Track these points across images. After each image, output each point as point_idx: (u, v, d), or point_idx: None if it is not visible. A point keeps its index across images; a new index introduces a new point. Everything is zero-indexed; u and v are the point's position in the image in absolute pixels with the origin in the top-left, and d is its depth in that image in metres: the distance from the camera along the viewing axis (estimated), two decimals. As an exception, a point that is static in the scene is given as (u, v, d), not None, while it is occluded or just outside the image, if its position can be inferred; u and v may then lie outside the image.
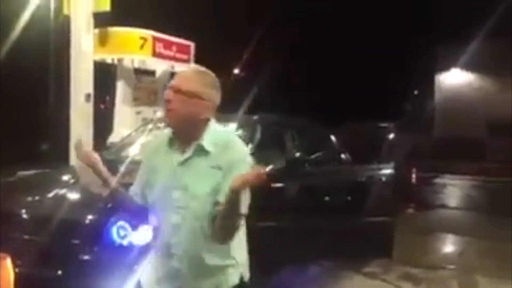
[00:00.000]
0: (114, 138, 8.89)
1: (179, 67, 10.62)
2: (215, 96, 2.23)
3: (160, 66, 10.31)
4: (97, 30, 9.17)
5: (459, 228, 10.43)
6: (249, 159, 2.20)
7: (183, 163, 2.18)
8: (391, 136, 6.85)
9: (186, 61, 10.36)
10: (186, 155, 2.18)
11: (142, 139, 6.80)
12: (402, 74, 22.19)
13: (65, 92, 8.99)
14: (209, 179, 2.13)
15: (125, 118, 9.64)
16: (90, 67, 9.07)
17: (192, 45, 10.46)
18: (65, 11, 9.23)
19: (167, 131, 2.27)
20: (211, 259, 2.17)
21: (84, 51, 8.93)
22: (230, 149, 2.18)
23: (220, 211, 2.08)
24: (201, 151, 2.16)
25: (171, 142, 2.24)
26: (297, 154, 5.58)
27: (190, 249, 2.16)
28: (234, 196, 2.01)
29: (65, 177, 5.63)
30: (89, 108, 9.01)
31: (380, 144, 6.46)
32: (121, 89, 10.01)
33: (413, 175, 12.30)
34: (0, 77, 12.26)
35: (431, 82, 24.63)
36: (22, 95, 13.90)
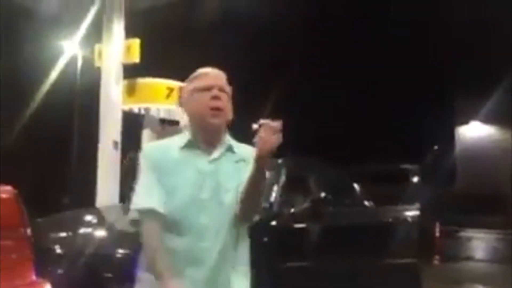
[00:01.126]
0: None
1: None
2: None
3: (184, 115, 10.57)
4: (125, 81, 9.55)
5: (486, 279, 10.22)
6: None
7: (211, 162, 2.17)
8: (415, 179, 6.89)
9: (211, 110, 10.62)
10: (215, 155, 2.18)
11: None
12: (422, 126, 22.26)
13: (93, 139, 9.29)
14: (238, 172, 2.16)
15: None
16: (119, 116, 9.42)
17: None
18: (97, 63, 9.69)
19: (180, 135, 2.25)
20: (235, 262, 2.17)
21: (113, 101, 9.31)
22: (249, 148, 2.21)
23: (245, 187, 2.09)
24: (228, 151, 2.22)
25: (190, 144, 2.19)
26: (321, 195, 5.66)
27: (220, 249, 2.12)
28: (258, 171, 2.04)
29: (93, 217, 5.86)
30: (117, 155, 9.29)
31: (403, 185, 6.51)
32: (146, 138, 10.28)
33: (437, 229, 12.15)
34: (31, 125, 12.67)
35: (451, 134, 24.62)
36: (51, 142, 14.30)
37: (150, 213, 2.09)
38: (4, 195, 3.39)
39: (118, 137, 9.28)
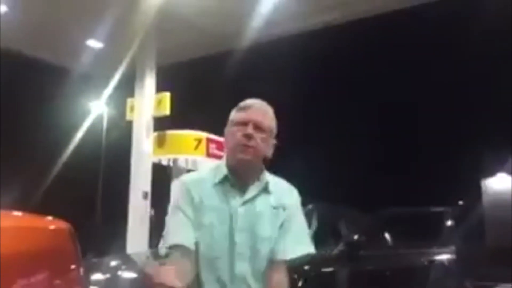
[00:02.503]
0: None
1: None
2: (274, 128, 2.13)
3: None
4: (155, 133, 9.82)
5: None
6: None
7: (245, 203, 2.00)
8: (450, 222, 6.83)
9: (237, 161, 10.78)
10: (250, 195, 2.02)
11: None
12: (447, 177, 21.99)
13: (121, 191, 9.50)
14: (273, 219, 2.01)
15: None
16: (149, 167, 9.65)
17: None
18: (128, 117, 10.02)
19: (212, 168, 2.09)
20: None
21: (144, 153, 9.57)
22: (291, 193, 2.12)
23: None
24: (264, 191, 2.04)
25: (226, 179, 2.03)
26: (353, 238, 5.67)
27: None
28: None
29: (123, 262, 5.94)
30: (146, 205, 9.46)
31: (436, 228, 6.46)
32: (175, 188, 10.42)
33: (468, 284, 11.80)
34: (63, 176, 12.96)
35: (477, 186, 24.24)
36: (79, 195, 14.53)
37: (179, 249, 1.92)
38: (59, 228, 3.29)
39: (148, 188, 9.47)
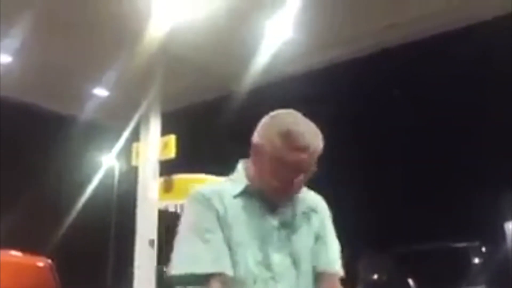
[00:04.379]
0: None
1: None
2: None
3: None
4: (161, 178, 9.54)
5: None
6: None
7: (283, 224, 1.80)
8: (477, 259, 6.34)
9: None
10: (287, 216, 1.84)
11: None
12: (469, 220, 21.40)
13: (130, 238, 9.12)
14: (307, 226, 1.87)
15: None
16: (155, 214, 9.29)
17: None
18: (134, 163, 9.77)
19: (231, 179, 1.90)
20: None
21: (150, 199, 9.23)
22: (319, 198, 1.99)
23: None
24: (303, 213, 1.88)
25: (247, 191, 1.82)
26: (373, 277, 5.22)
27: None
28: None
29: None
30: (153, 254, 9.03)
31: (463, 266, 5.96)
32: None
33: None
34: (69, 225, 12.67)
35: (500, 230, 23.51)
36: (89, 240, 14.19)
37: (218, 279, 1.63)
38: (40, 265, 3.23)
39: (154, 235, 9.08)
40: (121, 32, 9.11)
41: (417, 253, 6.03)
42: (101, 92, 11.68)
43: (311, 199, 1.95)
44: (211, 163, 9.99)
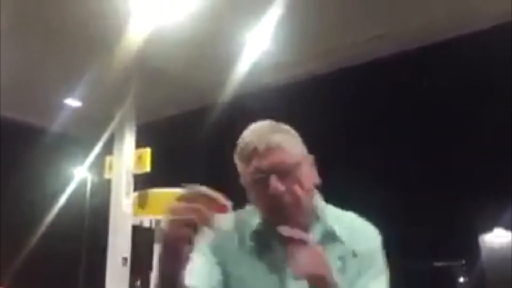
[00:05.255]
0: (150, 302, 8.34)
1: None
2: (303, 146, 1.56)
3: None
4: (136, 193, 9.22)
5: None
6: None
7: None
8: (462, 279, 6.19)
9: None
10: None
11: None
12: (446, 234, 21.55)
13: (101, 255, 8.77)
14: (341, 273, 1.43)
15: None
16: (129, 230, 8.96)
17: (229, 205, 10.34)
18: (106, 175, 9.44)
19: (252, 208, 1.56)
20: None
21: (123, 214, 8.90)
22: (365, 232, 1.53)
23: None
24: (329, 237, 1.48)
25: (264, 236, 1.51)
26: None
27: None
28: None
29: None
30: (126, 272, 8.69)
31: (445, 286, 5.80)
32: (158, 252, 9.70)
33: None
34: (38, 239, 12.22)
35: (476, 242, 23.75)
36: (58, 257, 13.71)
37: None
38: None
39: (127, 252, 8.75)
40: (95, 42, 8.82)
41: (399, 271, 5.93)
42: (73, 102, 11.34)
43: (351, 234, 1.49)
44: (188, 177, 9.71)
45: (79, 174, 16.07)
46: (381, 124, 18.48)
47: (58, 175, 14.47)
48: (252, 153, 1.45)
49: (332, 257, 1.42)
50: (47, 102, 11.11)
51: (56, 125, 11.62)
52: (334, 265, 1.41)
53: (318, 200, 1.52)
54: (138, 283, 10.28)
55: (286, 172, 1.43)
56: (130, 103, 9.75)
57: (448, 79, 15.64)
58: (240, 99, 10.02)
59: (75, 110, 11.31)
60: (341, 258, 1.45)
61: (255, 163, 1.44)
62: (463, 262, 23.69)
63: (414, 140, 19.03)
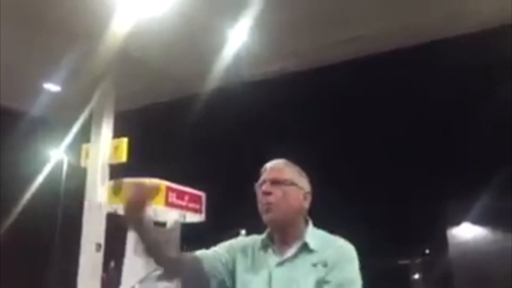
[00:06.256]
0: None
1: (190, 218, 10.62)
2: (307, 184, 2.10)
3: (171, 216, 10.29)
4: (111, 181, 9.33)
5: None
6: (356, 262, 2.00)
7: (282, 263, 1.98)
8: (417, 275, 6.50)
9: (198, 211, 10.35)
10: (288, 255, 1.99)
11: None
12: (413, 228, 21.99)
13: (75, 241, 8.90)
14: (312, 276, 1.92)
15: (134, 269, 9.34)
16: (103, 217, 9.10)
17: (203, 195, 10.55)
18: (82, 164, 9.54)
19: (257, 236, 2.13)
20: None
21: (98, 202, 9.04)
22: (338, 247, 2.00)
23: None
24: (305, 250, 1.99)
25: (265, 244, 2.06)
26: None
27: None
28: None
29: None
30: (99, 258, 8.85)
31: (403, 283, 6.12)
32: (131, 240, 9.83)
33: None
34: (12, 228, 12.25)
35: (443, 236, 24.27)
36: (32, 245, 13.76)
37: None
38: None
39: (101, 239, 8.90)
40: (77, 29, 8.87)
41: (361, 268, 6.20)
42: (52, 87, 11.36)
43: (325, 248, 1.98)
44: (164, 167, 9.85)
45: (56, 156, 16.04)
46: (356, 122, 18.80)
47: (35, 158, 14.44)
48: (263, 171, 2.09)
49: (306, 264, 1.93)
50: (26, 86, 11.12)
51: (35, 109, 11.64)
52: (309, 271, 1.91)
53: (308, 226, 2.05)
54: (112, 264, 10.48)
55: (276, 183, 2.02)
56: (109, 91, 9.83)
57: (427, 80, 15.98)
58: (217, 92, 10.17)
59: (54, 94, 11.35)
60: (314, 265, 1.92)
61: (263, 176, 2.08)
62: (429, 257, 24.26)
63: (386, 136, 19.38)
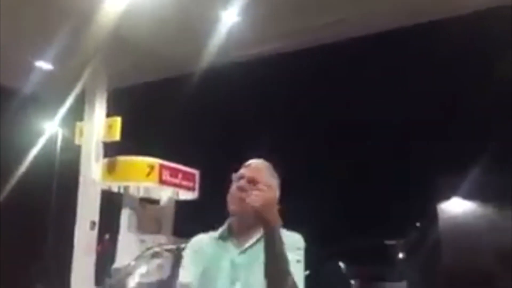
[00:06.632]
0: (117, 265, 8.73)
1: (183, 195, 10.80)
2: (277, 186, 2.23)
3: (164, 193, 10.45)
4: (105, 159, 9.45)
5: None
6: (299, 251, 2.13)
7: (244, 251, 2.13)
8: (401, 255, 6.71)
9: (191, 188, 10.52)
10: (249, 243, 2.13)
11: (146, 266, 6.76)
12: (403, 203, 22.23)
13: (70, 220, 9.03)
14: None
15: (129, 246, 9.53)
16: (97, 195, 9.24)
17: (197, 173, 10.70)
18: (76, 142, 9.64)
19: (210, 234, 2.24)
20: None
21: (92, 179, 9.16)
22: (285, 236, 2.10)
23: (264, 267, 1.99)
24: (263, 239, 2.10)
25: (224, 236, 2.19)
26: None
27: None
28: (268, 237, 1.95)
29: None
30: (93, 236, 9.01)
31: (389, 262, 6.33)
32: (125, 217, 10.01)
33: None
34: (7, 204, 12.35)
35: (433, 211, 24.61)
36: (26, 222, 13.87)
37: (183, 285, 2.14)
38: None
39: (96, 217, 9.05)
40: (69, 7, 8.85)
41: (347, 250, 6.37)
42: (44, 65, 11.36)
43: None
44: (156, 145, 9.97)
45: (50, 130, 16.02)
46: (344, 100, 18.86)
47: (29, 133, 14.42)
48: (244, 166, 2.21)
49: (262, 254, 2.03)
50: (18, 64, 11.11)
51: (27, 87, 11.66)
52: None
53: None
54: (107, 236, 10.65)
55: (253, 183, 2.13)
56: (101, 69, 9.86)
57: (413, 61, 16.04)
58: (207, 71, 10.22)
59: (46, 72, 11.37)
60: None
61: (242, 170, 2.19)
62: (419, 230, 24.55)
63: (375, 113, 19.44)
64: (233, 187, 2.14)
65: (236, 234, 2.16)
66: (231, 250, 2.14)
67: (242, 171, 2.18)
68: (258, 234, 2.11)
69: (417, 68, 15.84)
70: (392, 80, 17.49)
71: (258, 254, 2.06)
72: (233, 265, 2.10)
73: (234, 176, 2.19)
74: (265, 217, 1.94)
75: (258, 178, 2.15)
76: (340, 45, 9.77)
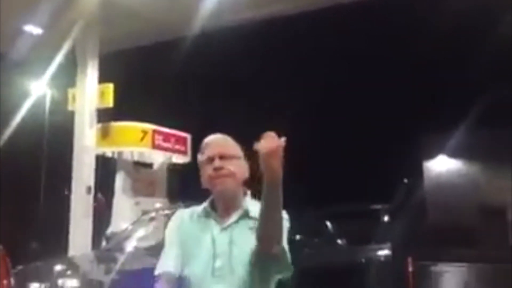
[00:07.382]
0: (113, 228, 8.99)
1: (176, 159, 11.00)
2: (243, 157, 2.24)
3: (158, 158, 10.63)
4: (99, 125, 9.57)
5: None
6: (286, 220, 2.13)
7: (226, 228, 2.15)
8: (386, 218, 7.00)
9: (183, 152, 10.71)
10: (228, 222, 2.15)
11: (142, 230, 7.01)
12: (389, 162, 22.59)
13: (64, 183, 9.23)
14: (250, 238, 2.05)
15: (124, 209, 9.78)
16: (92, 161, 9.41)
17: (188, 137, 10.87)
18: (70, 107, 9.72)
19: (196, 207, 2.25)
20: None
21: (87, 145, 9.31)
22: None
23: (260, 213, 1.95)
24: (245, 217, 2.15)
25: (207, 212, 2.21)
26: (296, 238, 5.75)
27: None
28: (267, 186, 1.87)
29: (67, 267, 5.83)
30: (89, 200, 9.24)
31: (375, 224, 6.64)
32: (120, 181, 10.21)
33: (409, 264, 12.24)
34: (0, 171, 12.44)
35: (419, 169, 25.08)
36: (21, 187, 14.01)
37: (165, 275, 2.15)
38: None
39: (91, 182, 9.25)
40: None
41: (335, 214, 6.64)
42: (34, 29, 11.26)
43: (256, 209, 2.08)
44: (152, 110, 10.07)
45: (38, 89, 15.91)
46: (331, 67, 18.90)
47: (17, 96, 14.37)
48: (205, 147, 2.21)
49: (245, 227, 2.12)
50: (6, 28, 10.99)
51: (16, 51, 11.58)
52: (247, 234, 2.08)
53: (246, 197, 2.22)
54: (100, 195, 10.89)
55: (225, 158, 2.16)
56: (93, 34, 9.84)
57: (397, 24, 16.12)
58: (200, 36, 10.23)
59: (36, 37, 11.27)
60: (251, 229, 2.08)
61: (207, 151, 2.19)
62: (406, 181, 24.97)
63: (360, 75, 19.55)
64: (207, 170, 2.14)
65: (219, 210, 2.18)
66: (213, 227, 2.16)
67: (208, 152, 2.17)
68: (241, 211, 2.16)
69: (413, 31, 15.87)
70: (384, 44, 17.54)
71: (240, 231, 2.12)
72: (214, 241, 2.12)
73: (201, 161, 2.18)
74: (272, 164, 1.84)
75: (228, 152, 2.17)
76: (335, 9, 9.79)
